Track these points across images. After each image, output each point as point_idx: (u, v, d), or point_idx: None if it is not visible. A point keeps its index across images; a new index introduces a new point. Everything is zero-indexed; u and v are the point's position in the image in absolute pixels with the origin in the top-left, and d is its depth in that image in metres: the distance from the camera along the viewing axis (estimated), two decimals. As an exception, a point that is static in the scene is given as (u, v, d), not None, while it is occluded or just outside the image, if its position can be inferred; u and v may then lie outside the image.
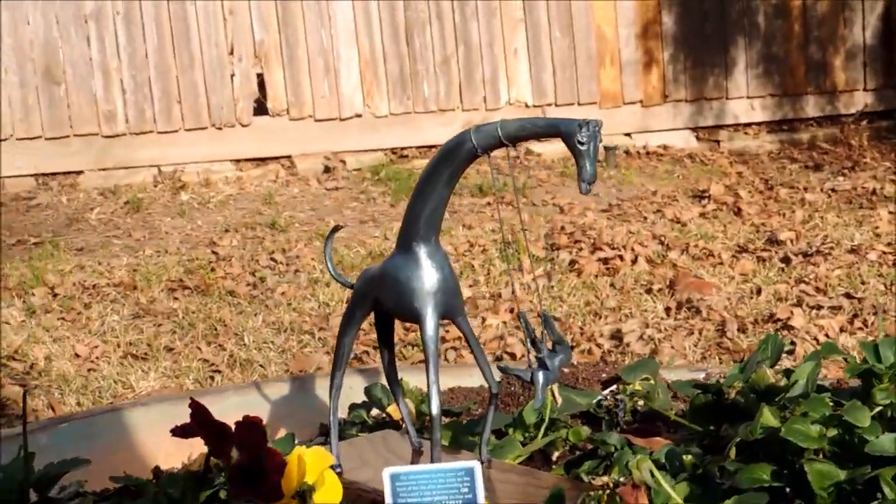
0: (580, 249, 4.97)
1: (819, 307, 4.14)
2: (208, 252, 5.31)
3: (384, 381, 1.97)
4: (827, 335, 3.87)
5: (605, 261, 4.79)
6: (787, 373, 1.74)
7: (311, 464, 1.44)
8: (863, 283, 4.41)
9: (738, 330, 3.96)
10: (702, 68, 7.63)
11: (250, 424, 1.35)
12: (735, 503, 1.43)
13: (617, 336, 3.98)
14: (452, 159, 1.60)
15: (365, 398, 2.25)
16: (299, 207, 6.25)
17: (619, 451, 1.77)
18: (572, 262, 4.81)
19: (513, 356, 3.84)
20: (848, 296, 4.25)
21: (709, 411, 1.86)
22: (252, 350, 4.08)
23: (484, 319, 4.18)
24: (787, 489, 1.54)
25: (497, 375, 1.79)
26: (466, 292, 4.47)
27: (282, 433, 2.04)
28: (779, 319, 4.01)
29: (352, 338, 1.78)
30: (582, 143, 1.47)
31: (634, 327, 4.01)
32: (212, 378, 3.85)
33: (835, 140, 7.44)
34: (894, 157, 6.94)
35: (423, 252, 1.65)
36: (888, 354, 1.71)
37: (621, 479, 1.40)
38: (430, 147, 7.23)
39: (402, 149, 7.20)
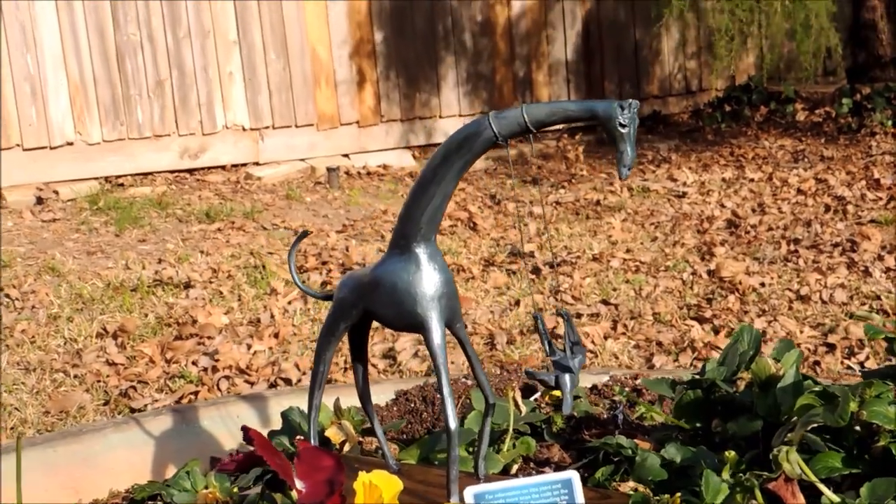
0: (330, 270, 4.92)
1: (579, 315, 4.23)
2: (-70, 293, 4.98)
3: (303, 405, 1.80)
4: (593, 342, 3.95)
5: (357, 281, 4.74)
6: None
7: (385, 491, 1.32)
8: (614, 289, 4.54)
9: (507, 342, 4.00)
10: (415, 86, 7.72)
11: (315, 451, 1.23)
12: (869, 490, 1.39)
13: (390, 355, 3.94)
14: (468, 149, 1.46)
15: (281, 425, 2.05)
16: (17, 242, 5.93)
17: (636, 453, 1.74)
18: (324, 284, 4.75)
19: (288, 382, 3.75)
20: (604, 302, 4.36)
21: (698, 407, 1.83)
22: (3, 393, 3.83)
23: (249, 346, 4.07)
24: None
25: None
26: (223, 319, 4.36)
27: (171, 469, 1.91)
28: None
29: (332, 353, 1.64)
30: (623, 126, 1.39)
31: (406, 346, 3.98)
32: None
33: (545, 155, 7.65)
34: (606, 168, 7.20)
35: (423, 253, 1.50)
36: None
37: (766, 475, 1.36)
38: (147, 174, 7.02)
39: (118, 177, 6.96)
